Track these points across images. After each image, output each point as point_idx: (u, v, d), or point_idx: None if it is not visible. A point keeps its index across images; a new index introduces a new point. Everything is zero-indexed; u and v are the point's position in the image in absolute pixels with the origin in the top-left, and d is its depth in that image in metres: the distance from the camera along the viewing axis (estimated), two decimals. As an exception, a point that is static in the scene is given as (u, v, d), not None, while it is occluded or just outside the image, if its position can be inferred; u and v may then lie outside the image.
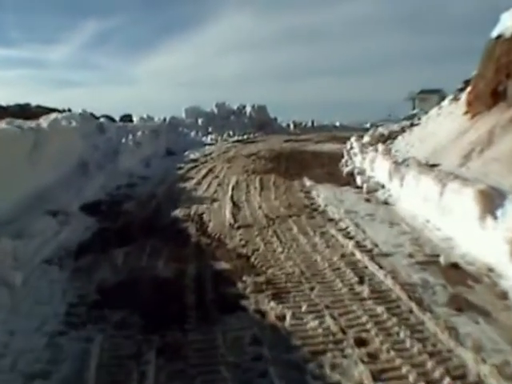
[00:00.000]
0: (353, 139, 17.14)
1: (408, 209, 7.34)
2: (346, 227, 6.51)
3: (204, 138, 23.27)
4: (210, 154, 16.17)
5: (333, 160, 13.15)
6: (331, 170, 11.52)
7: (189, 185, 10.06)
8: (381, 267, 4.94)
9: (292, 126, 30.34)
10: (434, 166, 8.40)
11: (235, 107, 29.32)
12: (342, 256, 5.32)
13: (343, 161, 12.42)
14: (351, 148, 15.38)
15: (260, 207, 7.79)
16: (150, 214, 7.76)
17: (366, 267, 5.00)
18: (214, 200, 8.53)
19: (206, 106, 28.87)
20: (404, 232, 6.30)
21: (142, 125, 19.52)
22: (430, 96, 42.49)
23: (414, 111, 41.81)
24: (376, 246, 5.66)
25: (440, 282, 4.63)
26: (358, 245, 5.68)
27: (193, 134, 24.27)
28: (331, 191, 8.96)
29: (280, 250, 5.58)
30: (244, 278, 4.71)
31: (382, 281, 4.62)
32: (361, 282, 4.60)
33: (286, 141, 20.52)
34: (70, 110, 17.85)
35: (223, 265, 5.18)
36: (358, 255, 5.32)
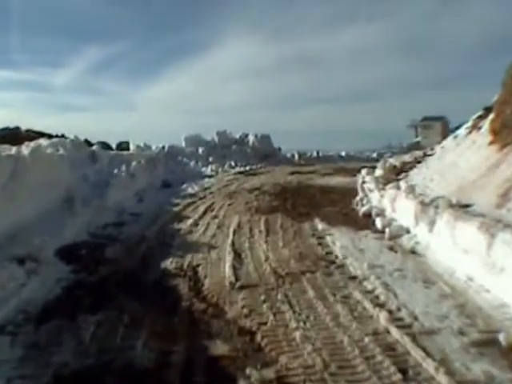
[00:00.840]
0: (364, 172, 16.13)
1: (443, 262, 6.23)
2: (373, 289, 5.36)
3: (204, 169, 22.27)
4: (210, 187, 15.10)
5: (345, 196, 12.10)
6: (344, 209, 10.45)
7: (184, 226, 8.94)
8: (427, 354, 3.78)
9: (297, 157, 29.38)
10: (465, 206, 7.33)
11: (237, 136, 28.42)
12: (375, 334, 4.17)
13: (358, 198, 11.32)
14: (363, 182, 14.36)
15: (267, 259, 6.66)
16: (135, 264, 6.64)
17: (408, 353, 3.84)
18: (212, 247, 7.40)
19: (206, 134, 27.99)
20: (445, 295, 5.14)
21: (137, 154, 18.52)
22: (433, 123, 42.61)
23: (417, 139, 42.80)
24: (415, 318, 4.51)
25: (508, 376, 3.47)
26: (393, 317, 4.52)
27: (192, 164, 23.27)
28: (348, 237, 7.85)
29: (294, 324, 4.41)
30: (247, 371, 3.57)
31: (433, 376, 3.47)
32: (405, 379, 3.45)
33: (292, 173, 19.49)
34: (63, 136, 16.86)
35: (220, 346, 4.04)
36: (395, 333, 4.17)
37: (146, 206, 11.46)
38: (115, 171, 13.44)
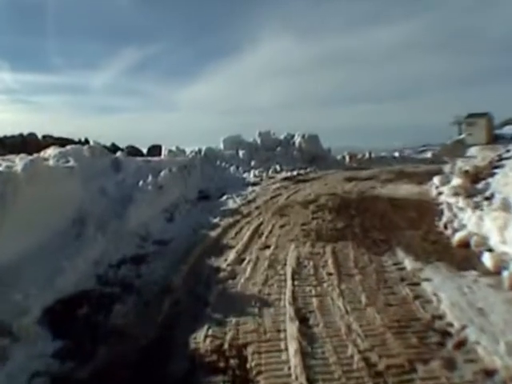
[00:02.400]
0: (437, 180, 13.77)
1: None
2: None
3: (246, 175, 20.14)
4: (255, 199, 12.92)
5: (423, 214, 9.89)
6: (430, 234, 8.23)
7: (224, 263, 6.81)
8: None
9: (347, 159, 26.92)
10: None
11: (282, 137, 26.18)
12: None
13: (444, 219, 8.98)
14: (440, 193, 12.02)
15: (349, 330, 4.45)
16: (151, 340, 4.53)
17: None
18: (265, 304, 5.24)
19: (247, 135, 25.88)
20: None
21: (169, 159, 16.51)
22: (478, 120, 41.71)
23: (461, 136, 42.72)
24: None
25: None
26: None
27: (232, 169, 21.17)
28: (452, 284, 5.66)
29: None
30: None
31: None
32: None
33: (348, 179, 17.14)
34: (86, 141, 14.96)
35: None
36: None
37: (176, 229, 9.38)
38: (140, 183, 11.42)
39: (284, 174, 20.02)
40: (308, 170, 21.73)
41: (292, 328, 4.48)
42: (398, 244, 7.54)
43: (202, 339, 4.44)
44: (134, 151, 31.29)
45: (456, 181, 12.39)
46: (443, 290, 5.41)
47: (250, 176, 19.72)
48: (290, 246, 7.56)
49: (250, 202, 12.55)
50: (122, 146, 34.64)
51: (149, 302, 5.47)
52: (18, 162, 7.88)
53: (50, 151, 11.78)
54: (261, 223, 9.57)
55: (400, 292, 5.51)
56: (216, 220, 10.10)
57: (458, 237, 7.66)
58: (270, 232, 8.72)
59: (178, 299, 5.55)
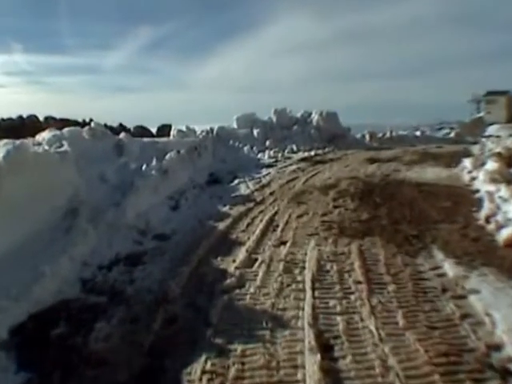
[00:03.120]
0: (468, 163, 12.71)
1: None
2: None
3: (260, 155, 19.15)
4: (269, 183, 11.95)
5: (457, 202, 8.96)
6: (469, 229, 7.21)
7: (232, 266, 5.83)
8: None
9: (368, 138, 25.74)
10: None
11: (298, 115, 25.05)
12: None
13: (485, 210, 7.94)
14: (473, 179, 10.95)
15: (385, 369, 3.52)
16: (134, 375, 3.61)
17: None
18: (279, 324, 4.30)
19: (263, 113, 24.78)
20: None
21: (177, 140, 15.52)
22: (498, 98, 41.61)
23: (480, 114, 41.00)
24: None
25: None
26: None
27: (246, 149, 20.17)
28: (507, 299, 4.65)
29: None
30: None
31: None
32: None
33: (369, 160, 16.09)
34: (91, 122, 14.04)
35: None
36: None
37: (180, 220, 8.46)
38: (143, 167, 10.50)
39: (301, 155, 19.02)
40: (326, 150, 20.70)
41: (312, 363, 3.53)
42: (434, 241, 6.56)
43: (197, 375, 3.51)
44: (142, 131, 30.31)
45: (491, 165, 11.29)
46: (496, 308, 4.42)
47: (265, 157, 18.74)
48: (309, 243, 6.59)
49: (264, 186, 11.58)
50: (132, 125, 33.65)
51: (138, 318, 4.56)
52: (1, 148, 6.96)
53: (45, 134, 10.90)
54: (276, 212, 8.60)
55: (444, 308, 4.53)
56: (226, 208, 9.15)
57: (505, 234, 6.62)
58: (286, 224, 7.75)
59: (173, 314, 4.62)
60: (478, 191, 9.64)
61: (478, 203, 8.57)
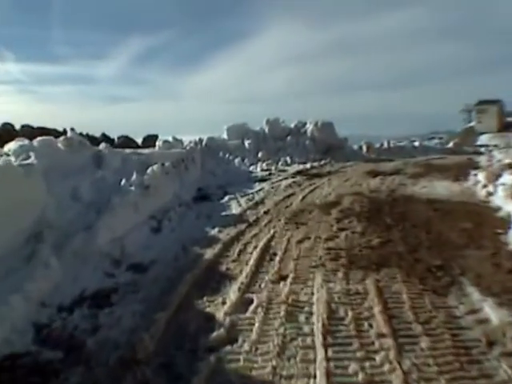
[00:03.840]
0: (481, 176, 11.77)
1: None
2: None
3: (253, 168, 18.15)
4: (263, 200, 10.90)
5: (479, 222, 8.02)
6: (500, 256, 6.31)
7: (221, 310, 4.73)
8: None
9: (365, 149, 24.81)
10: None
11: (292, 125, 24.05)
12: None
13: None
14: (489, 194, 10.01)
15: None
16: None
17: None
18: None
19: (255, 124, 23.80)
20: None
21: (162, 152, 14.41)
22: (489, 107, 42.11)
23: (471, 124, 43.09)
24: None
25: None
26: None
27: (237, 161, 19.17)
28: None
29: None
30: None
31: None
32: None
33: (370, 174, 15.13)
34: (65, 132, 12.93)
35: None
36: None
37: (161, 246, 7.37)
38: (123, 182, 9.42)
39: (296, 168, 18.01)
40: (323, 162, 19.75)
41: None
42: (463, 273, 5.54)
43: None
44: (126, 142, 29.23)
45: (509, 178, 10.33)
46: None
47: (258, 169, 17.73)
48: (314, 278, 5.52)
49: (257, 204, 10.52)
50: (119, 135, 32.47)
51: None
52: None
53: (12, 145, 9.82)
54: (272, 236, 7.53)
55: (497, 372, 3.50)
56: (214, 231, 8.08)
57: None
58: (285, 251, 6.68)
59: (144, 382, 3.52)
60: (499, 209, 8.66)
61: (503, 223, 7.57)
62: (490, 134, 36.79)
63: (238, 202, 10.84)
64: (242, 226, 8.29)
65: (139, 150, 14.44)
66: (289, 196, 11.32)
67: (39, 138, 10.71)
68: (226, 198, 11.26)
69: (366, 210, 9.26)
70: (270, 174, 16.45)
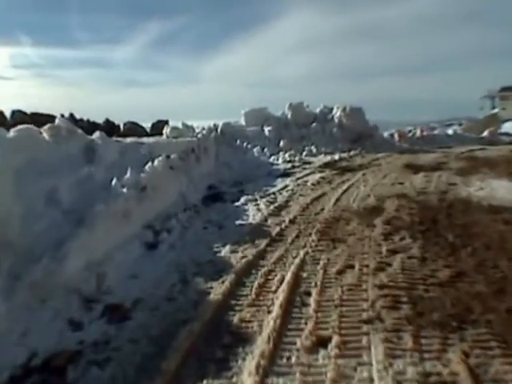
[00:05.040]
0: None
1: None
2: None
3: (273, 159, 16.38)
4: (288, 203, 9.15)
5: None
6: None
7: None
8: None
9: (396, 138, 22.91)
10: None
11: (317, 110, 22.15)
12: None
13: None
14: None
15: None
16: None
17: None
18: None
19: (276, 109, 21.96)
20: None
21: (168, 141, 12.63)
22: None
23: (494, 110, 42.53)
24: None
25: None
26: None
27: (256, 150, 17.40)
28: None
29: None
30: None
31: None
32: None
33: (409, 168, 13.29)
34: (62, 116, 11.23)
35: None
36: None
37: (153, 275, 5.65)
38: (114, 182, 7.74)
39: (322, 159, 16.21)
40: (352, 152, 17.89)
41: None
42: None
43: None
44: (133, 129, 27.53)
45: None
46: None
47: (279, 161, 15.96)
48: (370, 346, 3.74)
49: (280, 208, 8.76)
50: (125, 121, 30.66)
51: None
52: None
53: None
54: (302, 262, 5.77)
55: None
56: (225, 250, 6.35)
57: None
58: (322, 290, 4.90)
59: None
60: None
61: None
62: (515, 122, 35.33)
63: (257, 204, 9.09)
64: (262, 243, 6.53)
65: (142, 139, 12.69)
66: (318, 198, 9.52)
67: (17, 128, 9.01)
68: (243, 200, 9.51)
69: (417, 220, 7.44)
70: (293, 167, 14.70)
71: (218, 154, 15.07)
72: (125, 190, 7.57)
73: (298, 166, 14.71)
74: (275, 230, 7.18)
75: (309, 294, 4.80)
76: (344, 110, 20.96)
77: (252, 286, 5.07)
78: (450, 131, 28.34)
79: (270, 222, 7.76)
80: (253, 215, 8.27)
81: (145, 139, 13.65)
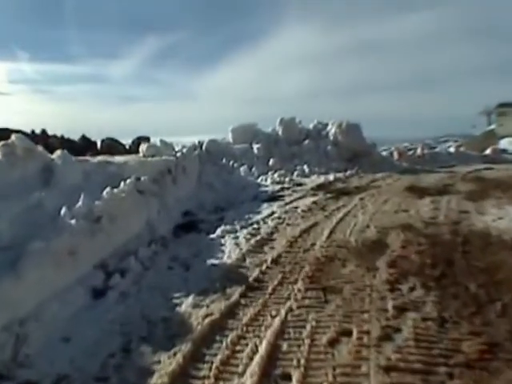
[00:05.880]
0: None
1: None
2: None
3: (261, 179, 15.20)
4: (272, 235, 7.94)
5: None
6: None
7: None
8: None
9: (396, 156, 21.79)
10: None
11: (310, 126, 21.00)
12: None
13: None
14: None
15: None
16: None
17: None
18: None
19: (266, 125, 20.81)
20: None
21: (142, 161, 11.36)
22: (510, 110, 41.32)
23: (491, 127, 41.93)
24: None
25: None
26: None
27: (243, 169, 16.17)
28: None
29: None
30: None
31: None
32: None
33: (412, 191, 12.10)
34: (33, 134, 9.94)
35: None
36: None
37: (91, 339, 4.41)
38: (62, 211, 6.49)
39: (315, 180, 15.01)
40: (348, 172, 16.69)
41: None
42: None
43: None
44: (112, 146, 26.23)
45: None
46: None
47: (267, 181, 14.75)
48: None
49: (263, 242, 7.50)
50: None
51: None
52: None
53: None
54: (282, 324, 4.46)
55: None
56: (187, 303, 5.09)
57: None
58: (306, 375, 3.61)
59: None
60: None
61: None
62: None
63: (236, 237, 7.84)
64: (235, 294, 5.27)
65: (113, 159, 11.43)
66: (309, 228, 8.27)
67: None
68: (220, 231, 8.25)
69: (429, 261, 6.19)
70: (282, 189, 13.49)
71: (200, 174, 13.85)
72: (72, 222, 6.29)
73: (288, 188, 13.48)
74: (254, 274, 5.91)
75: (288, 378, 3.53)
76: (340, 126, 19.76)
77: (212, 363, 3.79)
78: (451, 149, 27.29)
79: (248, 261, 6.49)
80: (229, 252, 7.00)
81: (117, 158, 12.38)
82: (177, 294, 5.38)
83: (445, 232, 7.72)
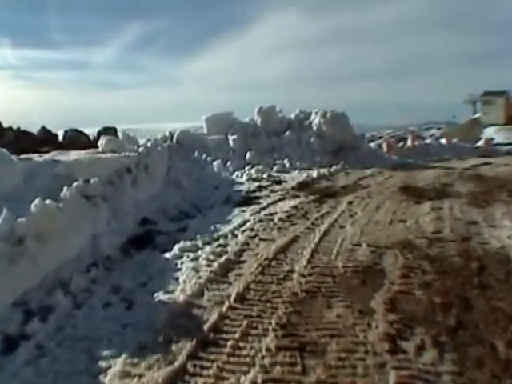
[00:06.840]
0: None
1: None
2: None
3: (236, 175, 13.92)
4: (240, 256, 6.66)
5: None
6: None
7: None
8: None
9: (384, 148, 20.65)
10: None
11: (292, 116, 19.69)
12: None
13: None
14: None
15: None
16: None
17: None
18: None
19: (244, 114, 19.49)
20: None
21: (95, 158, 9.93)
22: (495, 98, 41.80)
23: (476, 115, 42.67)
24: None
25: None
26: None
27: (217, 164, 14.85)
28: None
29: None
30: None
31: None
32: None
33: (407, 193, 10.95)
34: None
35: None
36: None
37: None
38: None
39: (297, 176, 13.83)
40: (333, 168, 15.46)
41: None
42: None
43: None
44: (76, 137, 24.64)
45: None
46: None
47: (243, 178, 13.52)
48: None
49: (228, 267, 6.21)
50: (71, 128, 27.54)
51: None
52: None
53: None
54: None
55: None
56: (114, 370, 3.78)
57: None
58: None
59: None
60: None
61: None
62: (497, 127, 35.81)
63: (197, 258, 6.56)
64: (182, 354, 3.96)
65: (64, 156, 10.04)
66: (287, 246, 6.98)
67: None
68: (177, 249, 6.93)
69: (439, 300, 4.93)
70: (259, 188, 12.27)
71: (169, 170, 12.53)
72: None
73: (266, 187, 12.23)
74: (211, 319, 4.60)
75: None
76: (324, 115, 18.44)
77: None
78: (443, 141, 26.30)
79: (206, 297, 5.18)
80: (184, 281, 5.69)
81: (72, 153, 10.96)
82: (106, 352, 4.07)
83: (454, 253, 6.46)
